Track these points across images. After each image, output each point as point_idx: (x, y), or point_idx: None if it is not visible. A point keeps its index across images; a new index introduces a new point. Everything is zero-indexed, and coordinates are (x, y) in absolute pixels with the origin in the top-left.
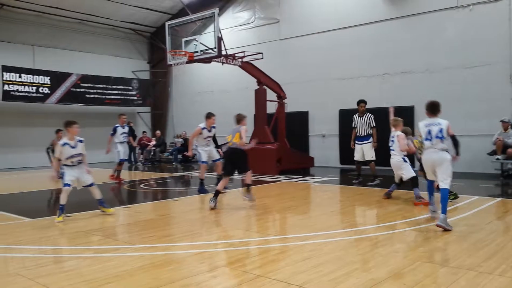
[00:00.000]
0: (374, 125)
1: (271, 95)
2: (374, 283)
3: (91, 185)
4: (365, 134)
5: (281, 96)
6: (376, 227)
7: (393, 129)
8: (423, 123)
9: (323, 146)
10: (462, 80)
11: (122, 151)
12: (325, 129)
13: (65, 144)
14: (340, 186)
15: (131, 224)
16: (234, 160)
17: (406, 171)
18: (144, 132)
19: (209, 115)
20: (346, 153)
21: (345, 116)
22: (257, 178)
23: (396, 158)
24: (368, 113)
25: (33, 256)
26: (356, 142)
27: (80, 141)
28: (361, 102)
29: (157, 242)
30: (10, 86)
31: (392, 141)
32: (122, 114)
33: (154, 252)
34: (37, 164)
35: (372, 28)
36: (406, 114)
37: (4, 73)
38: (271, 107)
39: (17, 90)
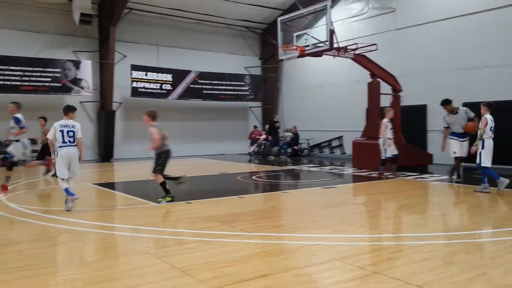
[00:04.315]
0: (473, 115)
1: (385, 88)
2: None
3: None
4: (464, 130)
5: (396, 89)
6: (506, 231)
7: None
8: (490, 117)
9: None
10: None
11: None
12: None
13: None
14: (463, 185)
15: (245, 213)
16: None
17: None
18: (255, 126)
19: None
20: (470, 149)
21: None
22: (370, 174)
23: None
24: (460, 108)
25: (159, 237)
26: (455, 138)
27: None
28: (443, 104)
29: (269, 231)
30: (138, 83)
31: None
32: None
33: (267, 240)
34: None
35: (503, 12)
36: None
37: (133, 72)
38: (385, 101)
39: (144, 87)
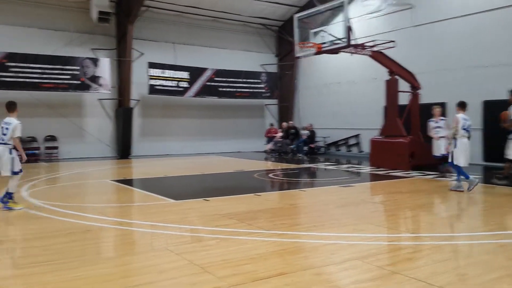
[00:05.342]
0: None
1: (403, 85)
2: None
3: None
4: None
5: (415, 87)
6: None
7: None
8: (463, 116)
9: None
10: None
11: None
12: None
13: None
14: (483, 185)
15: (262, 210)
16: None
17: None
18: (271, 124)
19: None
20: (490, 148)
21: (490, 108)
22: (388, 172)
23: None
24: None
25: (178, 234)
26: (508, 137)
27: None
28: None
29: (287, 229)
30: (155, 81)
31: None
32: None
33: (285, 239)
34: (177, 152)
35: None
36: None
37: (150, 69)
38: (404, 98)
39: (161, 85)
